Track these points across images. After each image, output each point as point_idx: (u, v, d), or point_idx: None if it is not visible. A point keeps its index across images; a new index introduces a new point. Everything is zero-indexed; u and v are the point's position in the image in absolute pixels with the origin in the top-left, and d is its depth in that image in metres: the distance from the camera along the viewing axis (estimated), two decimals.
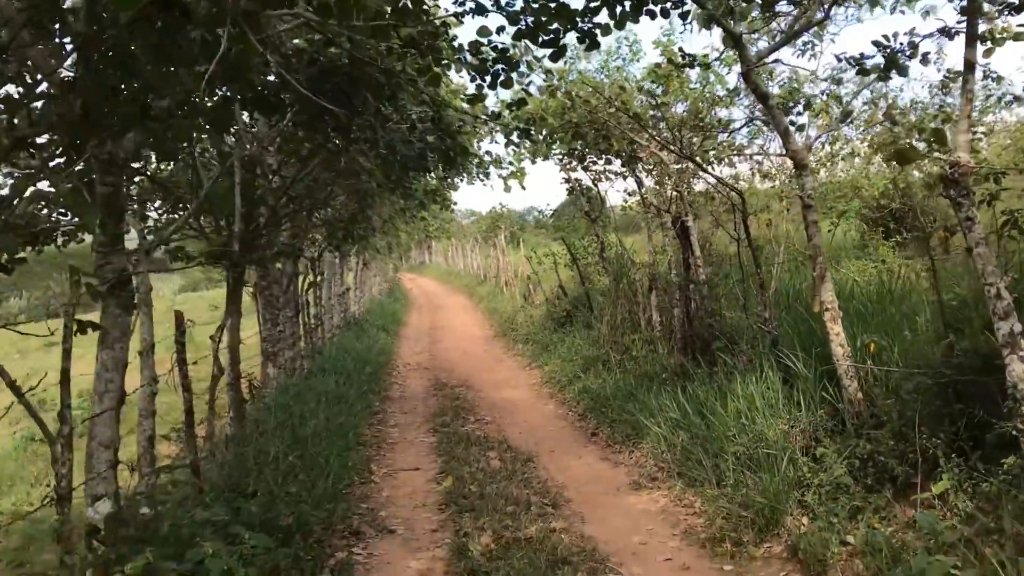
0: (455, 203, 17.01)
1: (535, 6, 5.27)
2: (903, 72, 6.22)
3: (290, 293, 10.98)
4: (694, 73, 8.58)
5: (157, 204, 9.29)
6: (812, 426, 6.29)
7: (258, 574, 4.27)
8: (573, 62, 9.87)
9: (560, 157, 12.19)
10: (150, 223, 8.80)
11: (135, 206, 8.52)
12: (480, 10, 5.59)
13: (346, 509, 6.37)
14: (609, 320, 12.02)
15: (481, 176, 14.16)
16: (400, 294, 34.97)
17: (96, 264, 5.09)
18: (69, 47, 4.13)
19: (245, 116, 9.36)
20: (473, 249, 39.38)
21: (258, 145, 7.79)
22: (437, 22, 5.74)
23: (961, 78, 5.02)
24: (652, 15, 5.55)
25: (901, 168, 6.10)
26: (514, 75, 6.21)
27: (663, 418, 7.99)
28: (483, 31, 5.70)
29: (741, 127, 8.86)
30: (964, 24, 5.06)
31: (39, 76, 4.27)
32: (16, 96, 4.07)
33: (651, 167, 10.45)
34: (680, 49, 8.70)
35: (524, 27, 5.40)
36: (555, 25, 5.37)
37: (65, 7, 3.92)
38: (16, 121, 3.97)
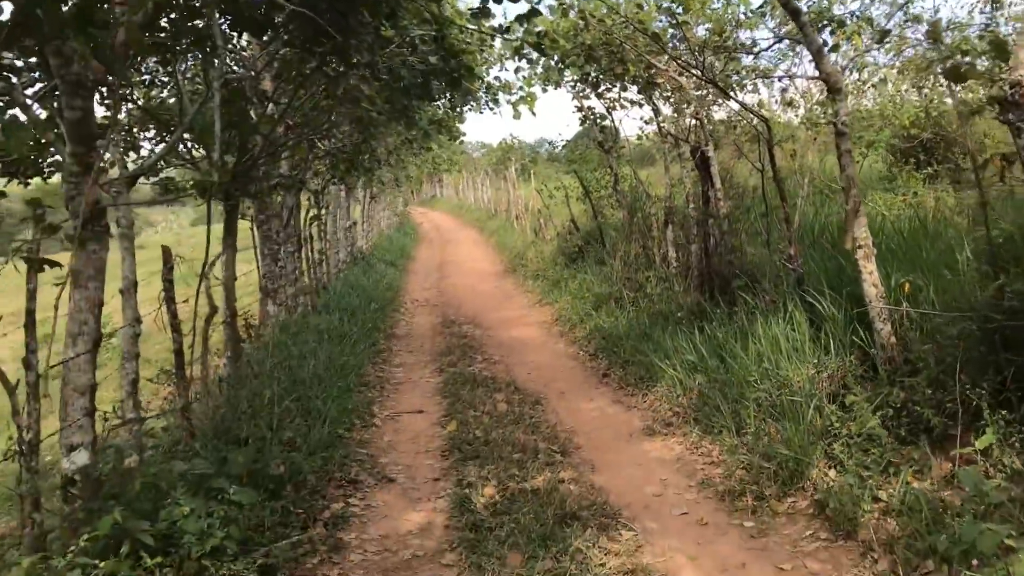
0: (463, 134, 16.42)
1: None
2: None
3: (291, 227, 10.55)
4: None
5: (152, 135, 8.84)
6: (840, 372, 5.88)
7: (240, 532, 3.93)
8: None
9: (573, 84, 11.59)
10: (143, 154, 8.37)
11: (123, 136, 8.07)
12: None
13: (344, 455, 6.04)
14: (623, 256, 11.56)
15: (489, 104, 13.58)
16: (410, 228, 34.53)
17: (66, 196, 4.67)
18: None
19: (244, 40, 8.87)
20: (484, 182, 38.78)
21: (249, 69, 7.27)
22: None
23: None
24: None
25: (956, 83, 5.55)
26: None
27: (679, 360, 7.60)
28: None
29: (769, 47, 8.24)
30: None
31: None
32: None
33: (669, 94, 9.87)
34: None
35: None
36: None
37: None
38: None
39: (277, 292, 9.37)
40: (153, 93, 8.73)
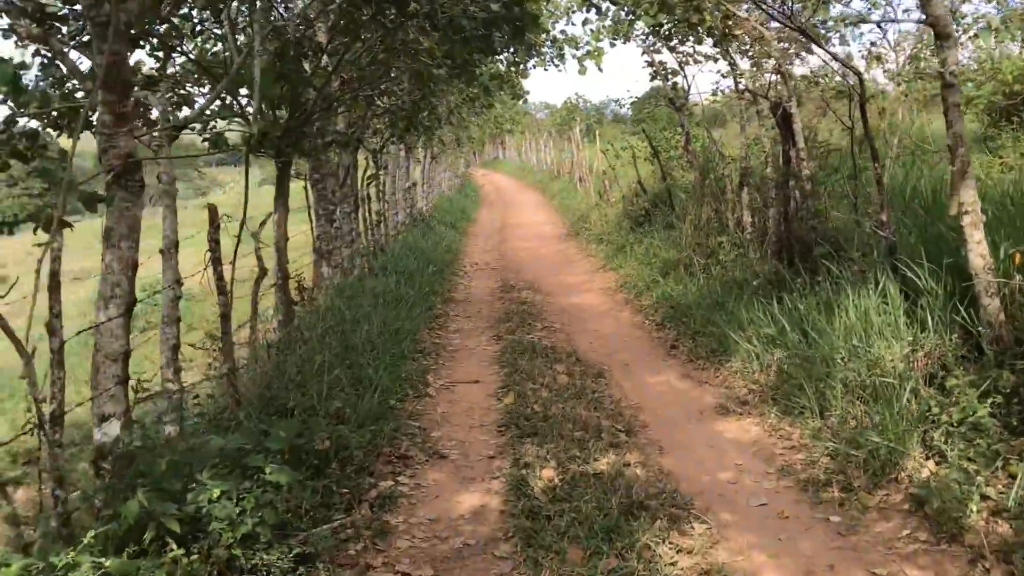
0: (526, 92, 15.86)
1: None
2: None
3: (347, 187, 10.22)
4: None
5: (206, 89, 8.53)
6: (939, 351, 5.29)
7: (275, 517, 3.59)
8: None
9: (643, 38, 10.96)
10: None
11: (174, 90, 7.77)
12: None
13: (395, 428, 5.69)
14: (693, 220, 10.96)
15: (555, 60, 13.01)
16: (471, 190, 34.16)
17: (99, 148, 4.35)
18: None
19: None
20: (547, 143, 38.12)
21: (303, 18, 6.87)
22: None
23: None
24: None
25: None
26: None
27: (755, 332, 7.07)
28: None
29: None
30: None
31: None
32: None
33: (748, 47, 9.19)
34: None
35: None
36: None
37: None
38: None
39: (332, 254, 9.06)
40: (207, 46, 8.42)
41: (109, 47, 4.10)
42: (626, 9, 9.61)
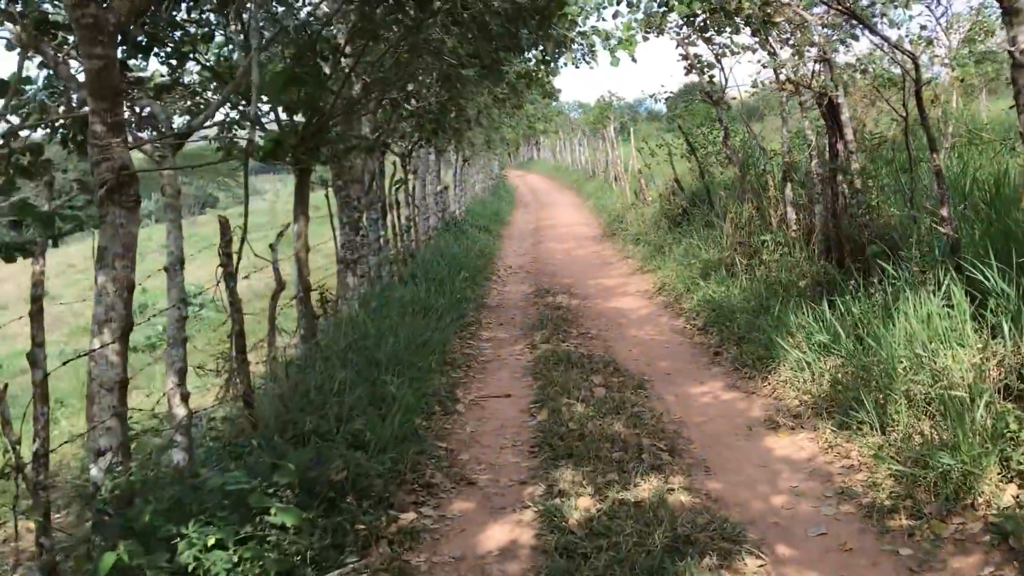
0: (558, 90, 15.44)
1: None
2: None
3: (374, 193, 9.90)
4: None
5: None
6: (1017, 361, 4.80)
7: (280, 565, 3.24)
8: None
9: (677, 30, 10.50)
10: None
11: (190, 98, 7.51)
12: None
13: (419, 451, 5.31)
14: (733, 218, 10.47)
15: (585, 57, 12.58)
16: (505, 192, 33.81)
17: (91, 160, 4.05)
18: None
19: None
20: (581, 143, 37.67)
21: (320, 18, 6.55)
22: None
23: None
24: None
25: None
26: None
27: (804, 338, 6.60)
28: None
29: None
30: None
31: None
32: None
33: (788, 35, 8.69)
34: None
35: None
36: None
37: None
38: None
39: (358, 263, 8.73)
40: (224, 51, 8.14)
41: (95, 50, 3.79)
42: (658, 1, 9.15)
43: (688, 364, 7.65)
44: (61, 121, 5.77)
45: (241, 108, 6.88)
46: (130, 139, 4.97)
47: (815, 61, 8.08)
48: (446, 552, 4.16)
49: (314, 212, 9.27)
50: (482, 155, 27.56)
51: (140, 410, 4.31)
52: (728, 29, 9.38)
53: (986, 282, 5.28)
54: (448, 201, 18.60)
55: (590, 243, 17.42)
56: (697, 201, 13.36)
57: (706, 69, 10.80)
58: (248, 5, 5.37)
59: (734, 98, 11.12)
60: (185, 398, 4.74)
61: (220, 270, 5.52)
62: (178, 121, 6.97)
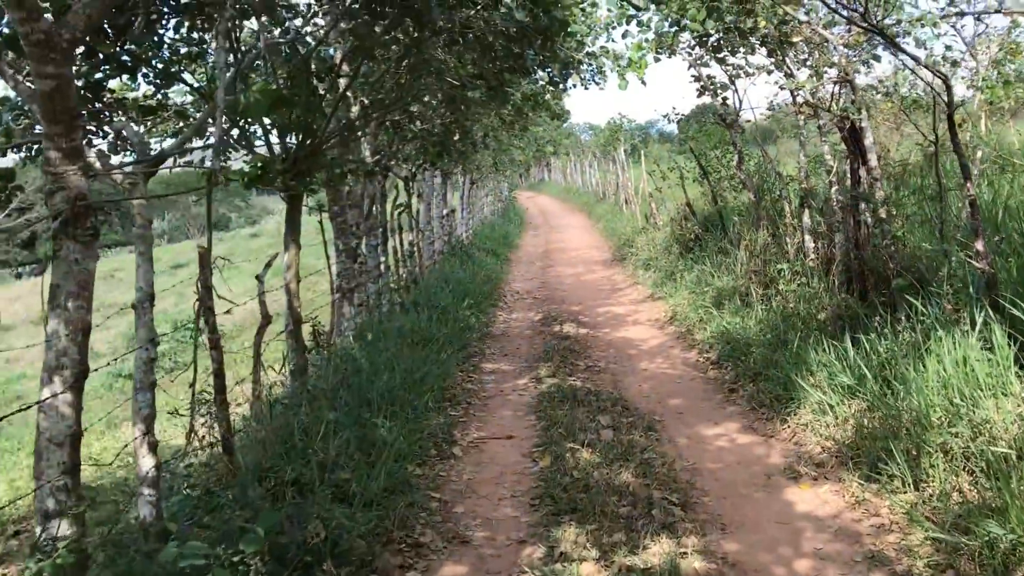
0: (567, 112, 15.08)
1: None
2: None
3: (374, 218, 9.53)
4: None
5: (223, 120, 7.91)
6: None
7: None
8: None
9: (689, 50, 10.13)
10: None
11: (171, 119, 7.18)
12: None
13: (410, 504, 4.89)
14: (748, 245, 10.06)
15: (595, 78, 12.23)
16: (514, 214, 33.47)
17: (46, 190, 3.68)
18: None
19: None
20: (591, 165, 37.38)
21: (302, 32, 6.21)
22: None
23: None
24: None
25: None
26: None
27: (825, 377, 6.18)
28: None
29: None
30: None
31: None
32: None
33: (806, 55, 8.31)
34: None
35: None
36: None
37: None
38: None
39: (355, 291, 8.35)
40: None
41: (46, 69, 3.43)
42: (669, 20, 8.78)
43: (701, 402, 7.21)
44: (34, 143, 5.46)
45: (228, 131, 6.55)
46: (99, 165, 4.63)
47: (835, 83, 7.68)
48: None
49: (310, 239, 8.93)
50: (491, 177, 27.23)
51: (97, 463, 3.90)
52: (743, 49, 9.00)
53: None
54: (455, 224, 18.24)
55: (600, 267, 17.02)
56: (710, 226, 12.95)
57: (719, 91, 10.41)
58: (225, 15, 5.02)
59: (748, 121, 10.72)
60: (153, 447, 4.34)
61: (197, 304, 5.16)
62: (168, 144, 6.63)
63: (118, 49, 5.75)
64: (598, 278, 15.57)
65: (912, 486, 4.59)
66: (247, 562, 3.43)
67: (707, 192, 13.20)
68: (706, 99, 10.94)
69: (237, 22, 5.43)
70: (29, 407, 3.55)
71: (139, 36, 5.45)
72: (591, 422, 6.44)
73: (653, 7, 8.73)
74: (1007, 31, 7.84)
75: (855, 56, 6.95)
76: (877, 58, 7.57)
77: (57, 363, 3.56)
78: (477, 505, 5.11)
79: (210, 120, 5.95)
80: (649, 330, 10.39)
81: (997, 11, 5.58)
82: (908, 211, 7.41)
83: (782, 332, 7.69)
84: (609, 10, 10.06)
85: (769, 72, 9.25)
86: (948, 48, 8.18)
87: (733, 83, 10.15)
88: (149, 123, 6.60)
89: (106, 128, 5.31)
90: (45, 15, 3.44)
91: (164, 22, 5.52)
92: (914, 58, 5.29)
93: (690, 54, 10.25)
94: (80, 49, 5.80)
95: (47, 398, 3.53)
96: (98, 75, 5.62)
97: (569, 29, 6.11)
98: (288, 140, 6.69)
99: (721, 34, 8.60)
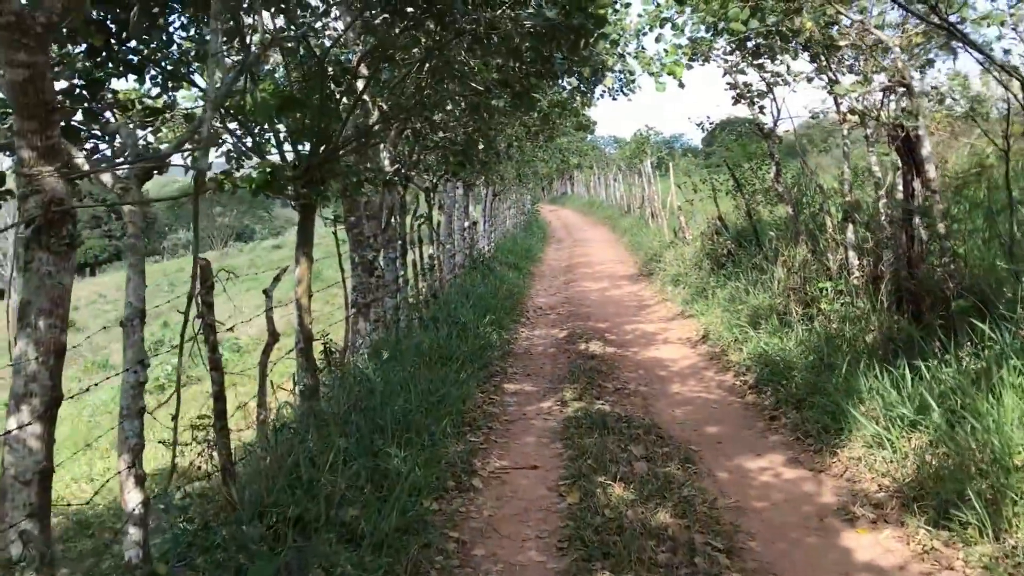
0: (594, 122, 14.64)
1: None
2: None
3: (392, 230, 9.10)
4: None
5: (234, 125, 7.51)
6: None
7: None
8: None
9: (725, 56, 9.66)
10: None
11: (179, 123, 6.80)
12: None
13: (424, 545, 4.42)
14: (786, 261, 9.53)
15: (624, 88, 11.80)
16: (537, 227, 33.02)
17: (19, 193, 3.27)
18: None
19: None
20: (616, 178, 36.92)
21: (310, 27, 5.81)
22: None
23: None
24: None
25: None
26: None
27: (880, 406, 5.65)
28: None
29: None
30: None
31: None
32: None
33: (852, 60, 7.81)
34: None
35: None
36: None
37: None
38: None
39: (371, 306, 7.91)
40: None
41: (18, 57, 3.02)
42: (705, 23, 8.32)
43: (741, 430, 6.69)
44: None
45: (241, 138, 6.15)
46: (87, 165, 4.22)
47: (882, 89, 7.18)
48: None
49: (331, 250, 8.50)
50: (513, 189, 26.82)
51: (69, 504, 3.46)
52: (784, 55, 8.51)
53: None
54: (476, 237, 17.81)
55: (626, 282, 16.51)
56: (743, 241, 12.42)
57: (756, 99, 9.92)
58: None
59: (787, 131, 10.22)
60: (140, 481, 3.90)
61: (199, 321, 4.74)
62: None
63: (123, 47, 5.39)
64: (624, 294, 15.07)
65: (991, 536, 4.06)
66: None
67: (740, 205, 12.69)
68: (741, 108, 10.47)
69: (245, 15, 5.01)
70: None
71: (142, 30, 5.06)
72: (623, 452, 5.95)
73: (689, 9, 8.28)
74: None
75: (910, 59, 6.43)
76: (931, 62, 7.07)
77: (25, 390, 3.14)
78: (499, 547, 4.62)
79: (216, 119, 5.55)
80: (680, 349, 9.88)
81: None
82: (968, 226, 6.87)
83: (826, 355, 7.17)
84: (640, 15, 9.63)
85: (810, 80, 8.75)
86: (1007, 52, 7.64)
87: (771, 91, 9.66)
88: (154, 127, 6.21)
89: (96, 131, 4.89)
90: None
91: (167, 16, 5.10)
92: (988, 56, 4.79)
93: (725, 61, 9.78)
94: (82, 47, 5.50)
95: (12, 430, 3.11)
96: (99, 74, 5.25)
97: (603, 29, 5.66)
98: (301, 146, 6.29)
99: (761, 39, 8.13)
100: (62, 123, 4.73)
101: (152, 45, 5.87)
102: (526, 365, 9.53)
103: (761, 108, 9.96)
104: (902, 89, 6.73)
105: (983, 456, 4.41)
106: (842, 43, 7.40)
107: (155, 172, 4.36)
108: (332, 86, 6.38)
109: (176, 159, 4.44)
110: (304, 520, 4.30)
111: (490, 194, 20.58)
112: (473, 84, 7.43)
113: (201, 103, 7.05)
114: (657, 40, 8.69)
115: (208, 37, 6.12)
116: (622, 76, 11.42)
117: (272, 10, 5.52)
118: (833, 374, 6.60)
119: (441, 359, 8.10)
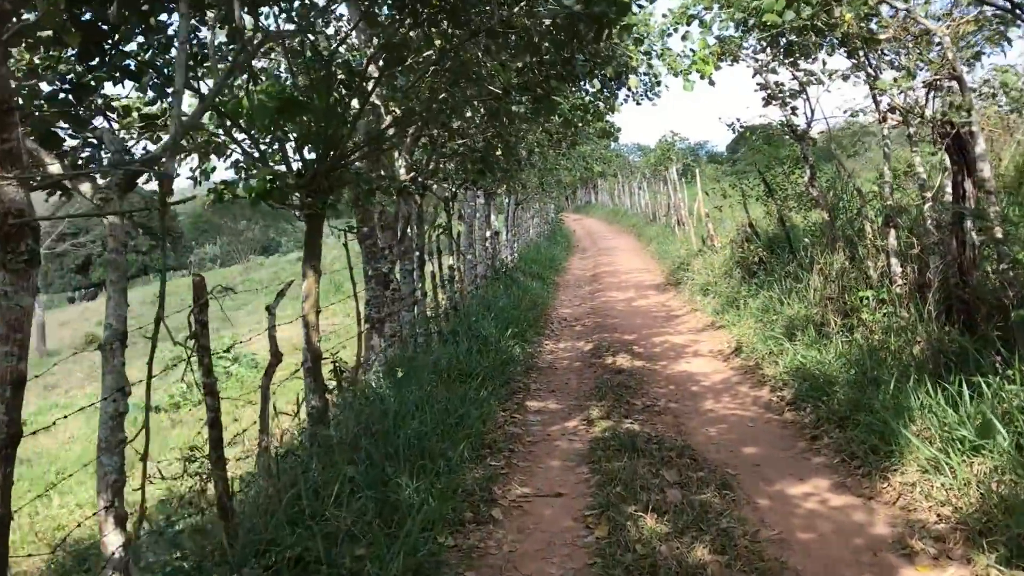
0: (617, 128, 14.21)
1: None
2: None
3: (408, 241, 8.74)
4: None
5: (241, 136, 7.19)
6: None
7: None
8: None
9: (756, 55, 9.22)
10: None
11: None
12: None
13: None
14: (822, 269, 9.04)
15: (648, 93, 11.38)
16: (561, 237, 32.62)
17: None
18: None
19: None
20: (640, 186, 36.45)
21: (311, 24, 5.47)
22: None
23: None
24: None
25: None
26: None
27: (934, 426, 5.17)
28: None
29: None
30: None
31: None
32: None
33: (893, 55, 7.34)
34: None
35: None
36: None
37: None
38: None
39: (386, 321, 7.54)
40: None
41: None
42: (735, 20, 7.89)
43: (780, 451, 6.23)
44: None
45: (245, 145, 5.81)
46: (59, 171, 3.86)
47: (926, 85, 6.71)
48: None
49: (342, 264, 8.14)
50: (536, 198, 26.43)
51: (29, 555, 3.09)
52: (820, 52, 8.05)
53: None
54: (499, 247, 17.43)
55: (653, 292, 16.04)
56: (775, 248, 11.93)
57: (788, 99, 9.45)
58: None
59: (821, 132, 9.74)
60: (121, 521, 3.52)
61: (192, 342, 4.39)
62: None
63: (117, 50, 5.07)
64: (652, 304, 14.60)
65: None
66: None
67: (771, 211, 12.20)
68: (770, 111, 10.02)
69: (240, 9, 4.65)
70: None
71: (131, 31, 4.73)
72: (654, 477, 5.51)
73: (717, 6, 7.86)
74: None
75: (959, 51, 5.97)
76: (980, 55, 6.59)
77: None
78: None
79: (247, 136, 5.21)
80: (712, 363, 9.41)
81: None
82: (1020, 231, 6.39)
83: (869, 368, 6.70)
84: (664, 15, 9.23)
85: (846, 78, 8.28)
86: None
87: (804, 90, 9.19)
88: (152, 135, 5.90)
89: (89, 137, 4.56)
90: None
91: (156, 14, 4.75)
92: None
93: (755, 60, 9.33)
94: (74, 50, 5.18)
95: None
96: (89, 78, 4.92)
97: (626, 20, 5.26)
98: (307, 152, 5.94)
99: (795, 34, 7.68)
100: (44, 129, 4.43)
101: (149, 52, 5.53)
102: (550, 380, 9.12)
103: (794, 109, 9.49)
104: (948, 84, 6.26)
105: None
106: (882, 36, 6.94)
107: (137, 181, 3.99)
108: (340, 89, 6.04)
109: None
110: (305, 560, 3.92)
111: (512, 203, 20.21)
112: (491, 88, 7.06)
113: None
114: (684, 38, 8.26)
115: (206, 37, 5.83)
116: (647, 79, 11.00)
117: (272, 8, 5.17)
118: (879, 390, 6.13)
119: (460, 376, 7.71)
